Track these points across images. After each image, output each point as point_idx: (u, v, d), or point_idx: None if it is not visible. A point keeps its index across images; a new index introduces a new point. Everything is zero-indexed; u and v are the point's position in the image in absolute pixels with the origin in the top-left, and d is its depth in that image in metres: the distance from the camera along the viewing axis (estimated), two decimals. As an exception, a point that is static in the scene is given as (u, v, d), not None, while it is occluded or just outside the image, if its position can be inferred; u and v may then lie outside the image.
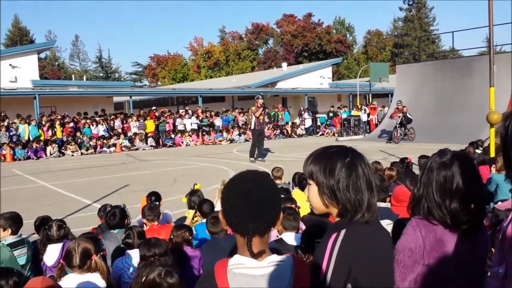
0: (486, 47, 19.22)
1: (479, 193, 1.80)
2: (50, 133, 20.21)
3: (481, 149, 9.19)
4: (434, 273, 1.78)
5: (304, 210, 4.45)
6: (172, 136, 22.82)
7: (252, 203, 1.36)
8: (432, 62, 22.94)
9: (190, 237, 3.67)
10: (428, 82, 20.82)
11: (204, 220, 4.50)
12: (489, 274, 1.60)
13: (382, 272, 1.54)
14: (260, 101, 14.01)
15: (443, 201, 1.78)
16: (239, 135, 23.95)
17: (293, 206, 3.95)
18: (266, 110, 14.09)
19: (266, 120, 15.00)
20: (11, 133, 19.30)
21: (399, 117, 19.01)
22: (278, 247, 3.09)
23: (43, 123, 20.54)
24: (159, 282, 2.35)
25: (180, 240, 3.55)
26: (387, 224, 3.19)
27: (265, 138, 24.24)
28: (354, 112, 25.80)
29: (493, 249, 1.92)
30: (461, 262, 1.76)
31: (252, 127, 14.41)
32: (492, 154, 7.66)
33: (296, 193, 5.63)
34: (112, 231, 4.23)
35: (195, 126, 23.85)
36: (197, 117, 24.36)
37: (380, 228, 1.64)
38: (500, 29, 18.35)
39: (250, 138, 23.85)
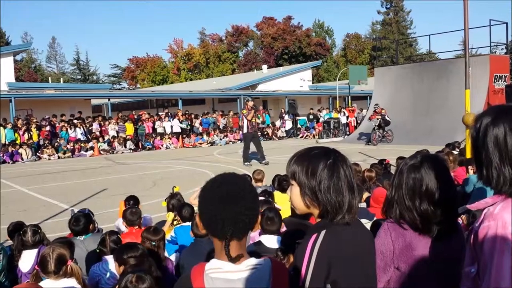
0: (462, 50, 19.63)
1: (450, 194, 1.83)
2: (26, 136, 19.81)
3: (458, 150, 9.36)
4: (405, 276, 1.80)
5: (284, 213, 4.45)
6: (152, 139, 22.60)
7: (229, 207, 1.34)
8: (410, 65, 23.30)
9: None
10: (406, 85, 21.13)
11: (184, 224, 4.47)
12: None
13: (362, 273, 1.54)
14: (250, 103, 13.92)
15: (413, 204, 1.81)
16: (221, 138, 23.89)
17: (274, 208, 3.93)
18: (257, 113, 13.92)
19: (259, 121, 14.76)
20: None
21: (377, 119, 19.23)
22: (257, 250, 3.10)
23: (19, 126, 20.13)
24: None
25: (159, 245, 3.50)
26: (365, 224, 3.21)
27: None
28: (334, 115, 26.01)
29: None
30: (433, 265, 1.78)
31: (245, 130, 14.10)
32: (468, 155, 7.81)
33: (276, 195, 5.63)
34: (78, 237, 4.13)
35: (178, 129, 23.65)
36: (179, 120, 24.14)
37: (362, 229, 1.64)
38: (475, 32, 18.78)
39: (231, 141, 23.94)
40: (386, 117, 19.23)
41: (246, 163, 13.55)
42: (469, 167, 6.20)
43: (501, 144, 1.40)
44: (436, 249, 1.79)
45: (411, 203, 1.81)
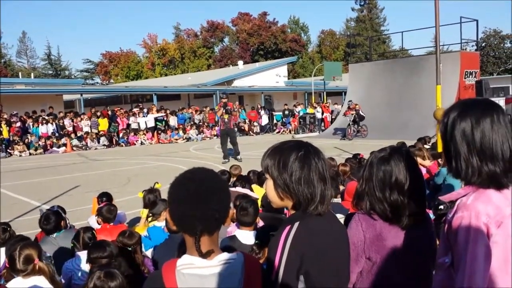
0: (434, 46, 20.02)
1: (418, 185, 1.87)
2: (-4, 133, 19.28)
3: (430, 144, 9.55)
4: (376, 266, 1.84)
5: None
6: (124, 134, 22.28)
7: (199, 202, 1.33)
8: (383, 61, 23.64)
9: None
10: (379, 81, 21.43)
11: (158, 224, 4.43)
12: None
13: (334, 263, 1.56)
14: (224, 100, 13.75)
15: (383, 195, 1.84)
16: (197, 134, 23.74)
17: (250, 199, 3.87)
18: (227, 109, 13.50)
19: (232, 117, 14.02)
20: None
21: (352, 114, 19.46)
22: (231, 245, 3.09)
23: (-12, 122, 19.57)
24: (100, 286, 2.31)
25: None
26: (340, 218, 3.24)
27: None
28: (309, 110, 26.18)
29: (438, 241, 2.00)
30: (403, 255, 1.82)
31: (220, 127, 14.09)
32: (440, 149, 7.98)
33: (254, 188, 5.66)
34: (51, 235, 4.06)
35: (153, 125, 23.37)
36: (156, 114, 23.86)
37: (334, 221, 1.66)
38: (446, 29, 19.18)
39: (208, 137, 23.83)
40: (360, 112, 19.48)
41: (223, 160, 13.41)
42: (439, 160, 6.36)
43: (468, 136, 1.44)
44: (406, 238, 1.83)
45: (381, 194, 1.84)
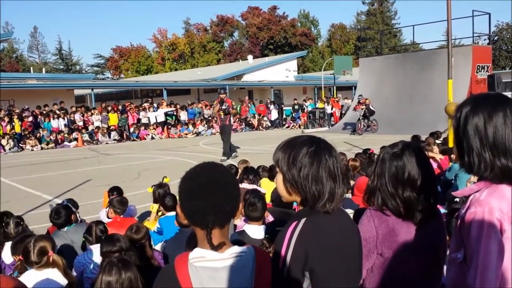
0: (445, 40, 19.84)
1: (430, 180, 1.86)
2: (8, 127, 19.48)
3: (441, 139, 9.48)
4: (387, 262, 1.83)
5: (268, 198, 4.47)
6: (135, 129, 22.40)
7: (209, 195, 1.34)
8: (394, 55, 23.44)
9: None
10: (390, 75, 21.27)
11: (169, 214, 4.47)
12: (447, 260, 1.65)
13: (342, 262, 1.55)
14: (221, 96, 13.16)
15: (396, 191, 1.83)
16: (207, 128, 23.80)
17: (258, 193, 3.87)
18: (224, 109, 12.88)
19: (227, 113, 13.21)
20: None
21: (362, 109, 19.36)
22: (240, 239, 3.10)
23: (1, 117, 19.78)
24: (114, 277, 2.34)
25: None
26: (349, 214, 3.24)
27: (231, 131, 24.34)
28: (319, 105, 26.09)
29: (448, 236, 1.99)
30: (415, 250, 1.82)
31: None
32: (451, 144, 7.92)
33: (264, 182, 5.68)
34: (62, 229, 4.10)
35: (163, 119, 23.48)
36: (166, 108, 23.95)
37: (344, 218, 1.65)
38: (458, 23, 18.97)
39: (217, 132, 23.86)
40: (370, 107, 19.37)
41: (232, 155, 13.24)
42: (452, 155, 6.31)
43: (481, 131, 1.43)
44: (418, 234, 1.83)
45: (394, 191, 1.83)
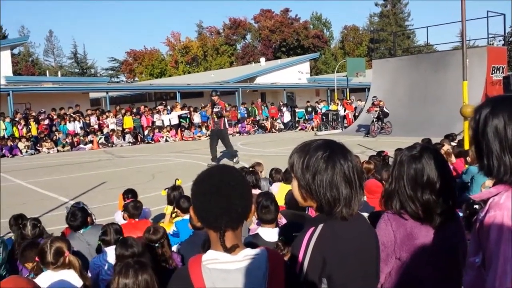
0: (460, 41, 19.61)
1: (450, 184, 1.85)
2: (25, 130, 19.78)
3: (456, 142, 9.38)
4: (406, 266, 1.81)
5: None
6: (149, 132, 22.57)
7: (221, 198, 1.35)
8: (407, 57, 23.26)
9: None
10: (404, 77, 21.11)
11: (185, 216, 4.49)
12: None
13: (360, 268, 1.54)
14: (213, 98, 12.59)
15: (415, 194, 1.81)
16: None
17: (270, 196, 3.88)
18: (215, 109, 12.42)
19: (220, 116, 12.65)
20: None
21: (376, 111, 19.24)
22: (254, 242, 3.10)
23: (18, 120, 20.10)
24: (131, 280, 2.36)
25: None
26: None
27: (244, 134, 24.41)
28: (332, 107, 26.00)
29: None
30: (434, 253, 1.80)
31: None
32: (467, 146, 7.83)
33: (277, 184, 5.68)
34: (78, 231, 4.13)
35: (176, 121, 23.62)
36: (180, 111, 24.10)
37: (363, 225, 1.63)
38: (473, 24, 18.78)
39: (231, 134, 23.90)
40: (384, 109, 19.23)
41: (233, 160, 12.66)
42: (467, 158, 6.24)
43: (501, 133, 1.41)
44: (437, 237, 1.81)
45: (413, 193, 1.82)
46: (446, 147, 6.88)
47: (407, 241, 1.80)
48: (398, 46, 34.35)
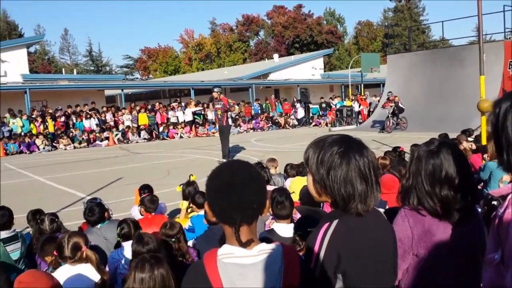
0: (476, 36, 19.32)
1: (469, 179, 1.82)
2: (42, 127, 20.08)
3: (473, 137, 9.27)
4: (423, 262, 1.80)
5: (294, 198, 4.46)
6: (164, 128, 22.72)
7: (235, 193, 1.35)
8: (423, 52, 22.99)
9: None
10: (419, 72, 20.89)
11: (200, 212, 4.52)
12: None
13: (376, 264, 1.53)
14: (214, 94, 12.65)
15: (433, 190, 1.79)
16: (234, 127, 23.92)
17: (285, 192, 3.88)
18: (217, 105, 12.35)
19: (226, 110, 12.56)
20: (3, 129, 19.13)
21: (391, 106, 19.08)
22: (269, 237, 3.11)
23: (35, 117, 20.40)
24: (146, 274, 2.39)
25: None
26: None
27: (258, 130, 24.43)
28: (346, 103, 25.84)
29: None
30: (452, 250, 1.78)
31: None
32: (484, 142, 7.73)
33: (297, 180, 5.68)
34: (95, 226, 4.18)
35: (190, 117, 23.73)
36: (194, 108, 24.21)
37: (379, 221, 1.61)
38: (489, 18, 18.47)
39: (245, 131, 24.01)
40: (399, 104, 19.07)
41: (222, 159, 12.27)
42: (485, 155, 6.16)
43: None
44: (455, 234, 1.79)
45: (431, 189, 1.80)
46: (466, 144, 6.80)
47: (425, 237, 1.78)
48: (413, 41, 34.00)
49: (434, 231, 1.78)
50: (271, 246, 1.39)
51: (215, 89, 12.86)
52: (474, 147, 7.16)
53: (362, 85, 27.80)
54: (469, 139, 8.76)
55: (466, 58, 18.49)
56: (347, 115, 23.87)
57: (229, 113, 12.71)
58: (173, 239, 3.36)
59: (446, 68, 19.80)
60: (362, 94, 26.77)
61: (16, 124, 19.65)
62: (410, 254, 1.81)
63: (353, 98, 26.02)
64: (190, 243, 4.02)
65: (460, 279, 1.81)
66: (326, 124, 25.06)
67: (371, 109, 24.57)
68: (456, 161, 1.80)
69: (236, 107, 12.60)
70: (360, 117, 25.05)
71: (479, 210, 3.25)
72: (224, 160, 11.88)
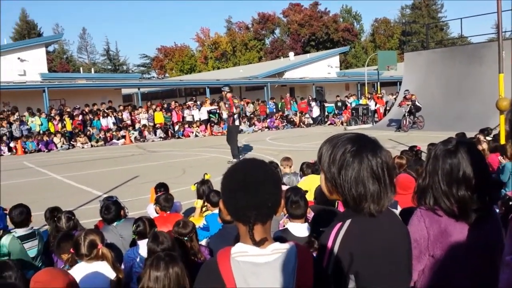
0: (495, 33, 19.00)
1: (487, 179, 1.78)
2: (60, 125, 20.37)
3: (492, 136, 9.11)
4: (440, 263, 1.77)
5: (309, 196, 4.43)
6: (180, 127, 22.85)
7: (250, 191, 1.35)
8: (441, 49, 22.69)
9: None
10: (437, 70, 20.62)
11: (215, 210, 4.54)
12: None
13: (390, 265, 1.51)
14: (223, 93, 12.63)
15: (450, 189, 1.76)
16: (249, 126, 23.96)
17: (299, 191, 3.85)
18: (223, 104, 12.36)
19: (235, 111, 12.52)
20: (22, 127, 19.47)
21: (408, 105, 18.88)
22: (283, 237, 3.10)
23: (53, 115, 20.71)
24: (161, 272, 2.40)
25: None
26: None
27: (273, 128, 24.41)
28: (362, 101, 25.64)
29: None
30: (469, 251, 1.75)
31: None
32: (502, 141, 7.60)
33: (310, 178, 5.65)
34: (111, 224, 4.22)
35: (206, 116, 23.84)
36: (210, 106, 24.33)
37: (391, 220, 1.59)
38: (509, 14, 18.13)
39: (260, 129, 24.02)
40: (416, 103, 18.85)
41: (231, 160, 12.15)
42: (499, 157, 6.05)
43: None
44: (472, 234, 1.76)
45: (448, 189, 1.76)
46: (485, 145, 6.68)
47: (441, 238, 1.75)
48: (431, 38, 33.55)
49: (451, 231, 1.75)
50: (285, 245, 1.39)
51: (222, 88, 12.89)
52: (488, 145, 7.03)
53: (379, 83, 27.54)
54: (488, 138, 8.61)
55: (485, 56, 18.20)
56: (363, 114, 23.70)
57: (235, 114, 12.59)
58: (186, 238, 3.38)
59: (464, 66, 19.51)
60: (379, 92, 26.53)
61: (35, 123, 19.96)
62: (426, 255, 1.78)
63: (369, 96, 25.80)
64: (204, 241, 4.04)
65: (476, 280, 1.78)
66: (342, 123, 24.93)
67: (388, 108, 24.34)
68: (474, 161, 1.76)
69: (238, 108, 12.41)
70: (376, 115, 24.85)
71: (497, 210, 3.20)
72: (235, 161, 11.89)
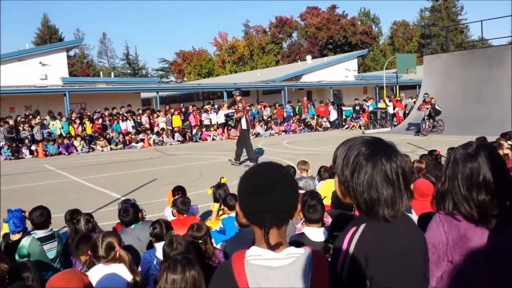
0: (518, 35, 18.66)
1: (508, 184, 1.75)
2: (80, 129, 20.68)
3: (512, 141, 8.92)
4: (459, 269, 1.73)
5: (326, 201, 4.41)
6: (197, 130, 22.98)
7: (266, 195, 1.35)
8: (460, 52, 22.38)
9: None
10: (457, 73, 20.33)
11: (232, 214, 4.55)
12: None
13: (405, 271, 1.49)
14: (234, 96, 12.72)
15: (470, 194, 1.73)
16: (266, 130, 23.97)
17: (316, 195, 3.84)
18: (236, 108, 12.46)
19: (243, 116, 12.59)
20: (44, 131, 19.83)
21: (427, 108, 18.63)
22: (300, 241, 3.09)
23: (73, 119, 21.04)
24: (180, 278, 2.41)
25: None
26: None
27: (290, 132, 24.36)
28: (381, 104, 25.42)
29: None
30: (489, 256, 1.71)
31: None
32: (525, 145, 7.43)
33: (329, 182, 5.63)
34: (130, 227, 4.25)
35: (223, 120, 23.92)
36: (227, 110, 24.40)
37: (406, 225, 1.57)
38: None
39: (276, 133, 24.00)
40: (436, 106, 18.59)
41: (234, 162, 12.58)
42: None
43: None
44: (492, 240, 1.72)
45: (467, 194, 1.73)
46: (506, 150, 6.54)
47: (460, 243, 1.72)
48: (450, 41, 33.12)
49: (470, 236, 1.72)
50: (300, 250, 1.39)
51: (233, 92, 12.99)
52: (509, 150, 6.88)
53: (397, 86, 27.27)
54: (509, 142, 8.43)
55: (506, 59, 17.90)
56: (381, 118, 23.49)
57: (243, 118, 12.55)
58: (200, 241, 3.39)
59: (484, 69, 19.21)
60: (398, 95, 26.26)
61: (56, 126, 20.30)
62: (445, 260, 1.75)
63: (387, 99, 25.56)
64: (219, 245, 4.04)
65: (497, 285, 1.74)
66: (360, 127, 24.74)
67: (407, 111, 24.08)
68: (495, 165, 1.73)
69: (241, 113, 12.43)
70: (395, 119, 24.60)
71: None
72: (252, 164, 11.82)
